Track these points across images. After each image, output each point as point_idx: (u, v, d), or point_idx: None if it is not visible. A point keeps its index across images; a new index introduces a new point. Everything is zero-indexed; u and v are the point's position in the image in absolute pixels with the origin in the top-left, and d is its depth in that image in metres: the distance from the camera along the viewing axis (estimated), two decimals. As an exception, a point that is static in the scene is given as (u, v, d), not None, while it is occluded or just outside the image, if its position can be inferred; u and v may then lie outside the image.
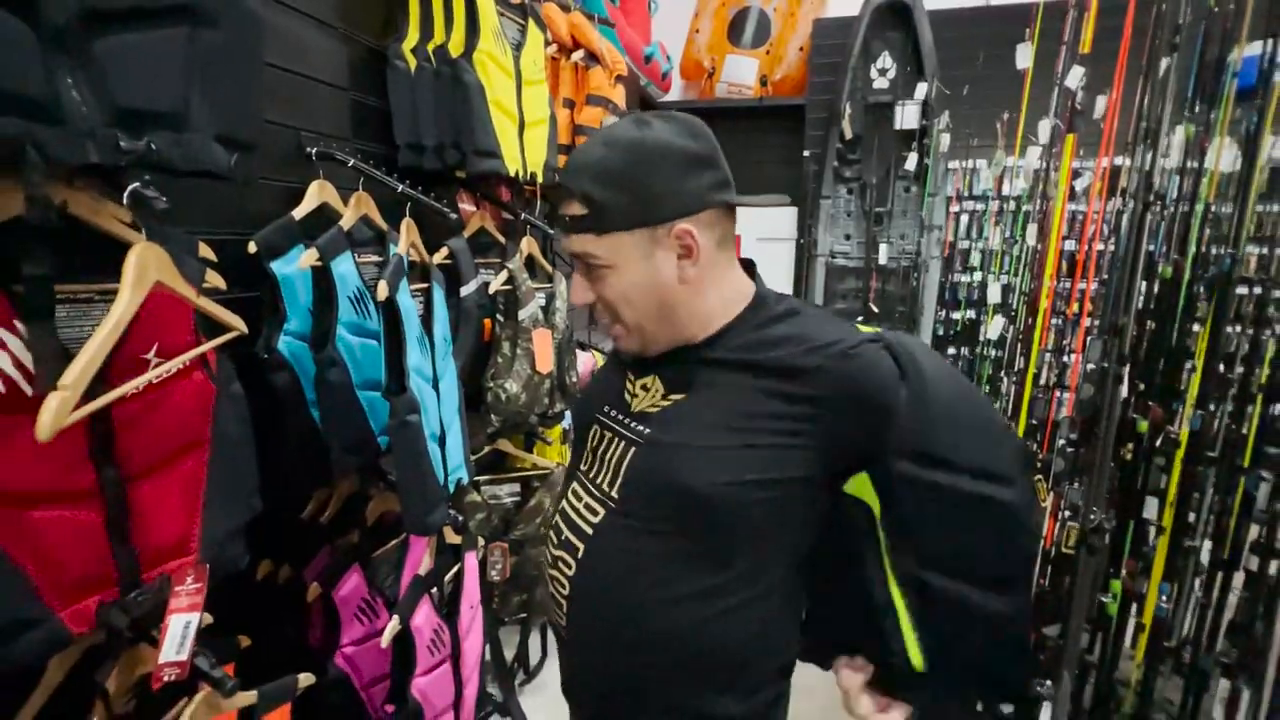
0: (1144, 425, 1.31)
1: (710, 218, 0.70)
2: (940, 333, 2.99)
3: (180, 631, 0.78)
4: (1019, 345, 1.65)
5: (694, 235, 0.68)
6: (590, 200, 0.67)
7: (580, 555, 0.73)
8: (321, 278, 1.14)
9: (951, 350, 2.33)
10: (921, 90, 2.18)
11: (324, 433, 1.17)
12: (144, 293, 0.73)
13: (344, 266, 1.16)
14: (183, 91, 0.71)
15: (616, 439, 0.75)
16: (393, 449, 1.12)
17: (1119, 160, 1.66)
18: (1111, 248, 1.66)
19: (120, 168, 0.68)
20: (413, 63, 1.45)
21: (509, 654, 1.98)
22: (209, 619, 0.98)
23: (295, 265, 1.10)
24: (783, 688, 0.75)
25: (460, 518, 1.29)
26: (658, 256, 0.69)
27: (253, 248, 1.07)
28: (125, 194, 0.71)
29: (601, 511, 0.73)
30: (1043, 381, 1.66)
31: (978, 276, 2.41)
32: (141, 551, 0.79)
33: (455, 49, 1.47)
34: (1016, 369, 1.66)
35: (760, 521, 0.67)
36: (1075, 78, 1.46)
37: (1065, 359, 1.67)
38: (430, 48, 1.47)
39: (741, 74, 4.14)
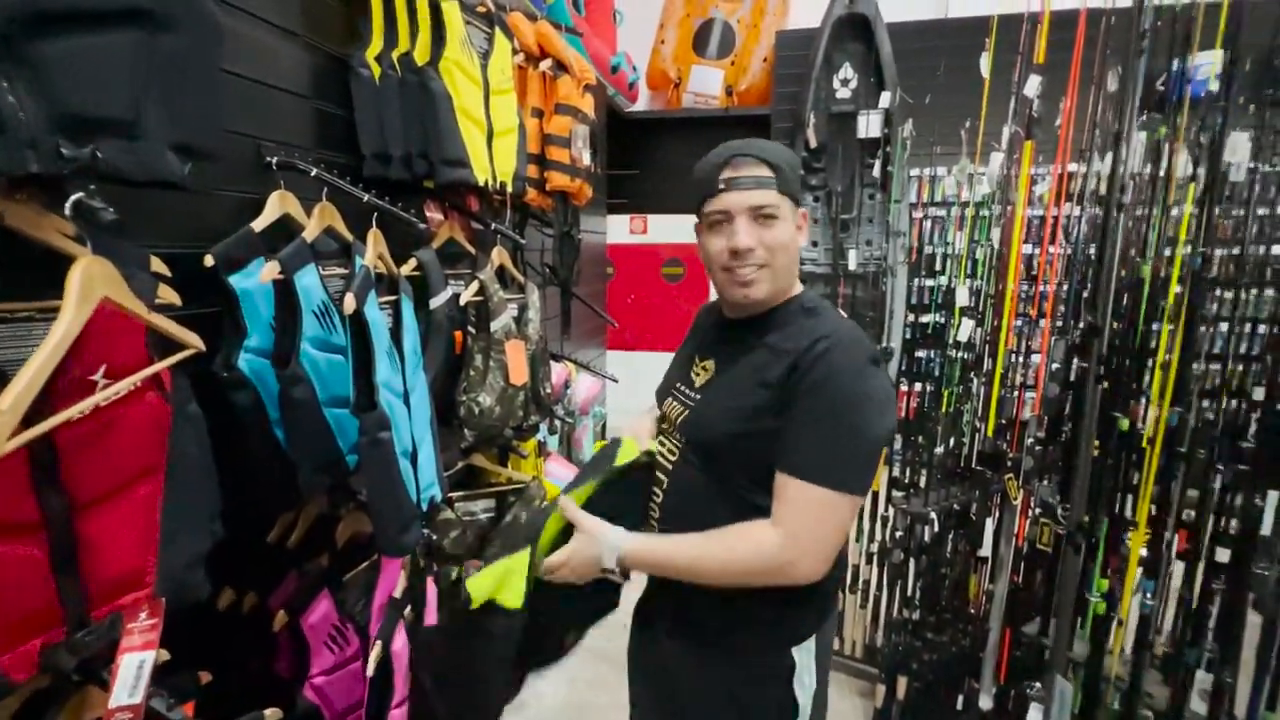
0: (1124, 423, 1.35)
1: None
2: (909, 335, 3.05)
3: (133, 672, 0.73)
4: (987, 347, 1.69)
5: (806, 218, 1.00)
6: (775, 167, 0.91)
7: (664, 488, 1.04)
8: (284, 292, 1.09)
9: (922, 352, 2.37)
10: (885, 99, 2.23)
11: (290, 453, 1.12)
12: (89, 310, 0.69)
13: (308, 279, 1.12)
14: (134, 97, 0.67)
15: (680, 405, 1.05)
16: (363, 468, 1.08)
17: (1073, 166, 1.73)
18: (1068, 251, 1.72)
19: (64, 177, 0.64)
20: (377, 71, 1.42)
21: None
22: (165, 655, 0.92)
23: (256, 279, 1.06)
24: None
25: (434, 536, 1.25)
26: (792, 224, 0.95)
27: (209, 261, 1.02)
28: (68, 204, 0.67)
29: (676, 452, 1.02)
30: (1010, 381, 1.70)
31: (943, 280, 2.46)
32: (91, 587, 0.74)
33: (421, 57, 1.45)
34: (985, 370, 1.70)
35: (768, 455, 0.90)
36: (1033, 87, 1.51)
37: (1032, 359, 1.72)
38: (395, 55, 1.44)
39: (707, 84, 4.19)
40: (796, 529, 0.86)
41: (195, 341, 0.85)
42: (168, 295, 0.86)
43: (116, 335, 0.76)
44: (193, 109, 0.73)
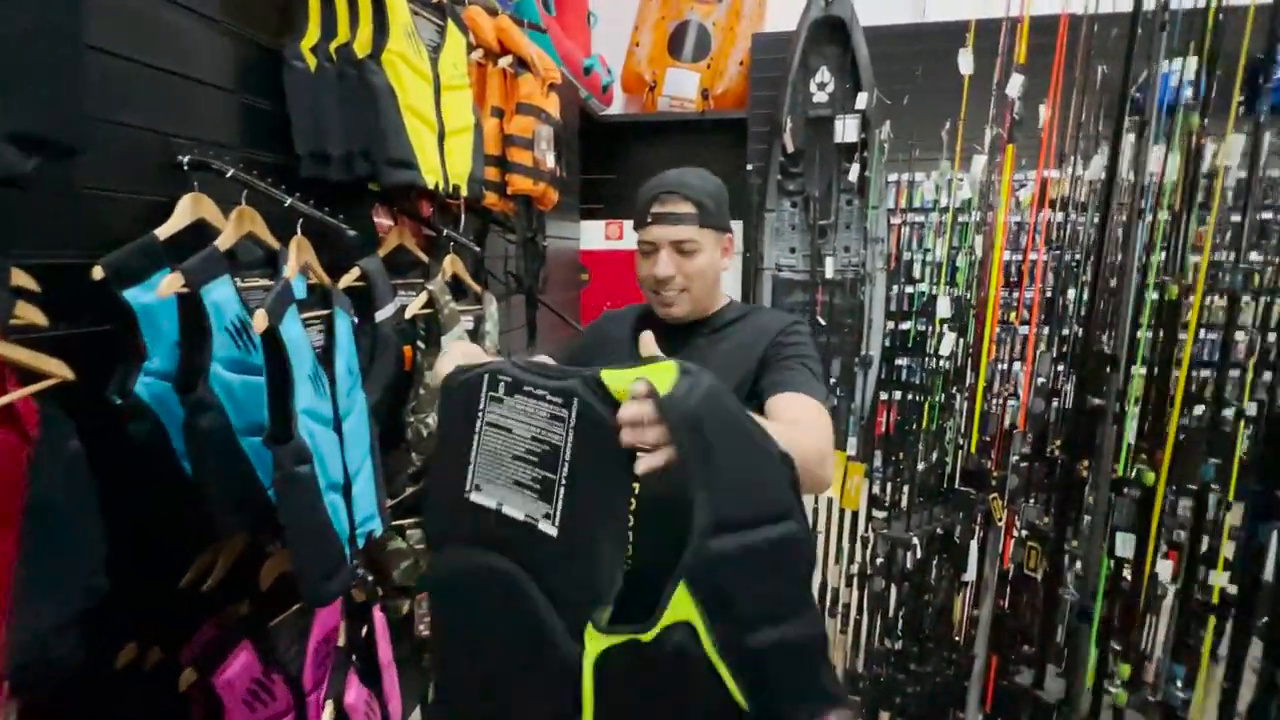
0: (1149, 477, 1.16)
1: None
2: (888, 344, 2.99)
3: (-36, 773, 0.60)
4: (969, 359, 1.61)
5: (733, 242, 1.12)
6: (699, 204, 1.02)
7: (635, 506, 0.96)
8: (191, 307, 0.97)
9: (902, 361, 2.30)
10: (861, 100, 2.17)
11: (199, 488, 0.99)
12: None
13: (219, 293, 0.99)
14: (-51, 78, 0.55)
15: None
16: (279, 507, 0.96)
17: (1052, 172, 1.66)
18: (1051, 258, 1.65)
19: None
20: (313, 62, 1.30)
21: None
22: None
23: (155, 293, 0.93)
24: None
25: (369, 577, 1.13)
26: (717, 250, 1.07)
27: (98, 273, 0.90)
28: None
29: None
30: (993, 394, 1.63)
31: (923, 288, 2.40)
32: (-88, 670, 0.61)
33: (361, 48, 1.33)
34: (967, 383, 1.62)
35: None
36: (1015, 86, 1.44)
37: (1014, 368, 1.65)
38: (333, 47, 1.32)
39: (683, 88, 4.11)
40: (813, 420, 0.93)
41: (58, 368, 0.72)
42: (28, 314, 0.73)
43: (-50, 365, 0.63)
44: (38, 92, 0.61)
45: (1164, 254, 1.34)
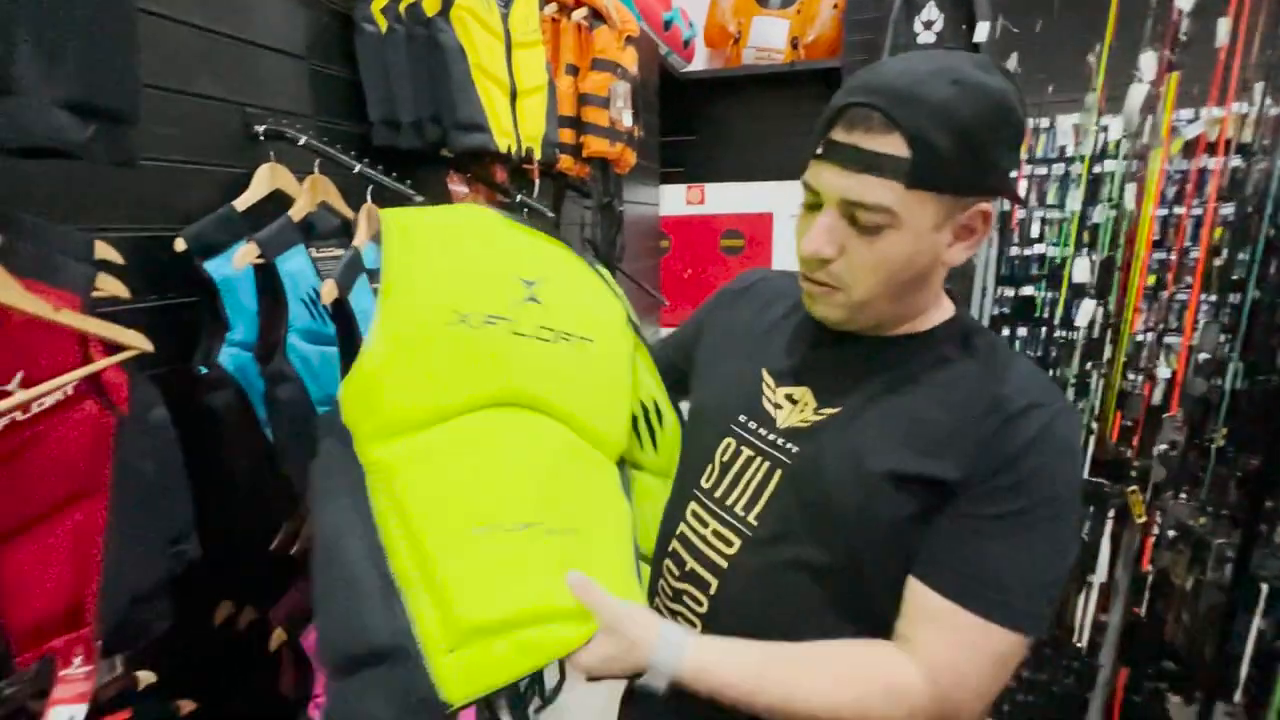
0: None
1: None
2: (997, 312, 2.68)
3: (61, 730, 0.62)
4: (1108, 330, 1.38)
5: (989, 219, 0.60)
6: (923, 144, 0.54)
7: (714, 591, 0.67)
8: (266, 278, 0.97)
9: (1020, 331, 2.04)
10: (981, 31, 1.86)
11: (281, 457, 1.01)
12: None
13: (293, 263, 0.99)
14: (1, 43, 0.53)
15: (759, 457, 0.67)
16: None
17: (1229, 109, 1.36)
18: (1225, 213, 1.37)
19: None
20: (384, 24, 1.26)
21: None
22: (151, 677, 0.84)
23: (233, 264, 0.94)
24: None
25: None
26: (944, 230, 0.59)
27: (180, 245, 0.91)
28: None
29: (737, 542, 0.66)
30: (1137, 373, 1.40)
31: (1039, 249, 2.11)
32: (13, 629, 0.64)
33: (430, 6, 1.28)
34: (1104, 359, 1.39)
35: (910, 552, 0.61)
36: (1186, -5, 1.17)
37: (1167, 345, 1.40)
38: (402, 7, 1.27)
39: (770, 37, 3.83)
40: (952, 676, 0.57)
41: (136, 340, 0.72)
42: (109, 286, 0.74)
43: (32, 339, 0.64)
44: (92, 58, 0.59)
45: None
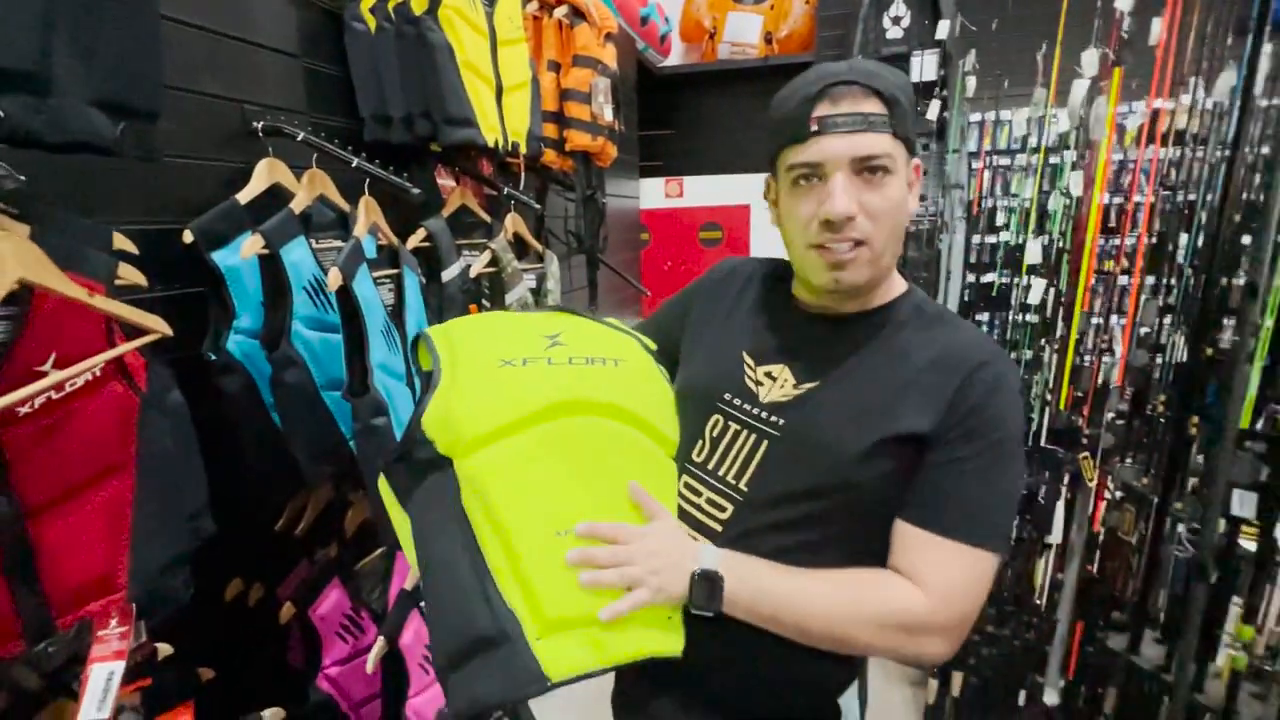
0: None
1: None
2: (966, 298, 2.80)
3: (102, 684, 0.67)
4: (1060, 310, 1.48)
5: (919, 173, 0.72)
6: (890, 100, 0.66)
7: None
8: (271, 268, 1.01)
9: (981, 316, 2.16)
10: (942, 29, 1.97)
11: (288, 440, 1.05)
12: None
13: (296, 254, 1.03)
14: (41, 46, 0.58)
15: (745, 430, 0.74)
16: (359, 457, 1.01)
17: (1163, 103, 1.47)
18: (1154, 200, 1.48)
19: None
20: (373, 23, 1.30)
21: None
22: (168, 649, 0.89)
23: (239, 255, 0.98)
24: None
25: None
26: (904, 180, 0.69)
27: (189, 237, 0.95)
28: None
29: (730, 507, 0.72)
30: (1085, 348, 1.50)
31: (1003, 237, 2.22)
32: (53, 595, 0.69)
33: (418, 5, 1.32)
34: (1058, 335, 1.50)
35: (890, 501, 0.68)
36: (1125, -2, 1.26)
37: (1113, 322, 1.51)
38: (391, 6, 1.32)
39: (745, 32, 3.91)
40: (948, 592, 0.65)
41: (158, 325, 0.77)
42: (130, 275, 0.79)
43: (66, 323, 0.69)
44: (121, 60, 0.63)
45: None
